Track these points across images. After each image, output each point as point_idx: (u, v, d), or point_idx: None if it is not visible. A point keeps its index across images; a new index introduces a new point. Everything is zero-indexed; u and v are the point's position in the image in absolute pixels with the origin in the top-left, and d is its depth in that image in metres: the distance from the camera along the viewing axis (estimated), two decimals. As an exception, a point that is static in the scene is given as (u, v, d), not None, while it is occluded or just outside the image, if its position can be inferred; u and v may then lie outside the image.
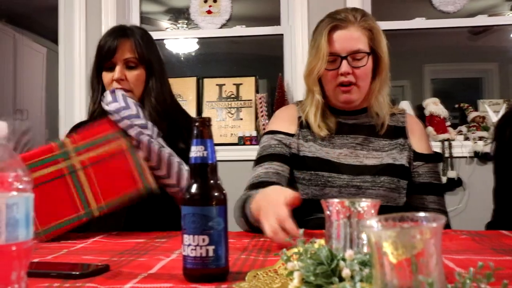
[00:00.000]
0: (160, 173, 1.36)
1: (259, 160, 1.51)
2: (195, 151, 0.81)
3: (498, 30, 3.67)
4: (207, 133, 0.82)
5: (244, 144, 2.72)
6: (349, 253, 0.64)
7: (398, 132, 1.52)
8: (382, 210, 1.40)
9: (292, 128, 1.53)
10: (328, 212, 0.71)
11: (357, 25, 1.43)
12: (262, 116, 2.76)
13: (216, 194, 0.80)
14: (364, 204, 0.70)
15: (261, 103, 2.78)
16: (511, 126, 1.52)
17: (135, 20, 3.04)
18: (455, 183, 2.64)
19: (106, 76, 1.52)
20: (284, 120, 1.56)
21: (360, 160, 1.46)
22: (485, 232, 1.28)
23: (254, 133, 2.75)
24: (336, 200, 0.70)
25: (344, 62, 1.41)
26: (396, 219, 0.54)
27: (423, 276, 0.48)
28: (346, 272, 0.63)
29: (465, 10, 3.05)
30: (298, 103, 1.62)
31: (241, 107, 2.89)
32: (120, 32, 1.54)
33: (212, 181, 0.81)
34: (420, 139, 1.54)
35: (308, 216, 1.42)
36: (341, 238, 0.70)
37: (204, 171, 0.81)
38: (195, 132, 0.81)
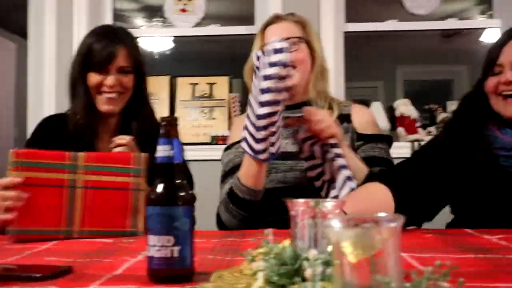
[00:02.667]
0: None
1: (223, 178, 1.60)
2: (162, 150, 0.80)
3: (469, 33, 3.74)
4: (174, 133, 0.81)
5: (217, 144, 2.71)
6: (312, 253, 0.65)
7: (342, 118, 1.60)
8: (296, 191, 1.44)
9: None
10: (293, 213, 0.71)
11: (289, 20, 1.62)
12: (235, 116, 2.76)
13: (182, 194, 0.79)
14: (329, 204, 0.70)
15: (234, 102, 2.78)
16: (448, 134, 1.51)
17: (108, 17, 3.00)
18: (425, 183, 2.67)
19: (95, 78, 1.53)
20: (235, 130, 1.68)
21: None
22: (449, 230, 1.30)
23: (227, 133, 2.75)
24: (301, 200, 0.71)
25: None
26: (358, 219, 0.55)
27: (381, 276, 0.48)
28: (309, 272, 0.63)
29: (437, 13, 3.10)
30: None
31: (214, 107, 2.88)
32: (114, 38, 1.55)
33: (178, 181, 0.80)
34: (364, 122, 1.62)
35: (268, 216, 1.45)
36: (305, 238, 0.70)
37: (171, 171, 0.80)
38: (161, 131, 0.80)
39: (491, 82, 1.38)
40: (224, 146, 1.74)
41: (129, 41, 1.58)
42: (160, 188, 0.79)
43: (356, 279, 0.50)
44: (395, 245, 0.51)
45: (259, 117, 1.26)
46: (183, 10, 3.01)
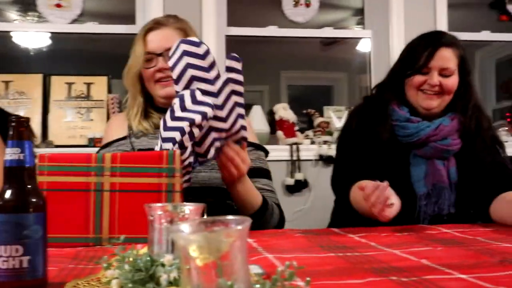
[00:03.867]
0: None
1: None
2: (10, 153, 0.74)
3: (346, 42, 3.93)
4: (25, 134, 0.76)
5: (94, 146, 2.60)
6: (167, 258, 0.63)
7: None
8: (220, 192, 1.46)
9: (123, 132, 1.59)
10: (151, 217, 0.70)
11: (170, 26, 1.59)
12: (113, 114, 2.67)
13: (33, 200, 0.74)
14: (187, 208, 0.69)
15: (113, 103, 2.69)
16: (357, 118, 1.69)
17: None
18: (302, 185, 2.78)
19: None
20: (113, 129, 1.64)
21: None
22: (317, 230, 1.36)
23: (105, 135, 2.65)
24: (158, 204, 0.69)
25: (160, 58, 1.54)
26: (209, 222, 0.55)
27: (224, 279, 0.48)
28: (163, 278, 0.62)
29: (315, 22, 3.23)
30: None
31: (91, 108, 2.76)
32: None
33: (29, 186, 0.75)
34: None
35: None
36: (163, 243, 0.69)
37: (20, 175, 0.75)
38: (11, 132, 0.75)
39: (418, 79, 1.58)
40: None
41: None
42: (8, 194, 0.73)
43: (203, 283, 0.50)
44: (241, 247, 0.51)
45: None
46: (58, 5, 2.86)
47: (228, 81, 1.26)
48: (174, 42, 1.51)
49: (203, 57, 1.24)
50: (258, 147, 1.64)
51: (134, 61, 1.56)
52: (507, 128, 2.61)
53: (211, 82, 1.25)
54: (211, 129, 1.26)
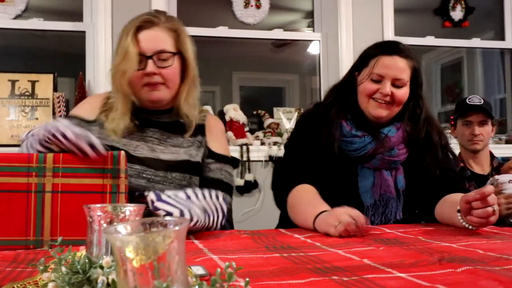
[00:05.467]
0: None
1: None
2: None
3: (297, 45, 3.98)
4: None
5: (38, 146, 2.53)
6: (106, 260, 0.62)
7: (198, 129, 1.54)
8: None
9: (92, 114, 1.50)
10: (89, 219, 0.68)
11: (162, 26, 1.46)
12: (60, 116, 2.60)
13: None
14: (128, 209, 0.68)
15: (59, 102, 2.62)
16: (307, 127, 1.67)
17: None
18: (252, 186, 2.79)
19: None
20: (85, 107, 1.54)
21: (156, 155, 1.46)
22: (264, 230, 1.36)
23: (50, 134, 2.58)
24: (97, 205, 0.68)
25: (150, 62, 1.42)
26: (146, 223, 0.54)
27: (160, 281, 0.48)
28: (100, 280, 0.61)
29: (266, 24, 3.25)
30: (109, 94, 1.56)
31: (36, 106, 2.68)
32: None
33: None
34: (216, 139, 1.59)
35: None
36: (102, 244, 0.67)
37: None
38: None
39: (371, 87, 1.57)
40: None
41: None
42: None
43: (139, 285, 0.49)
44: (179, 249, 0.50)
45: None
46: (1, 0, 2.76)
47: None
48: (165, 44, 1.43)
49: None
50: (226, 160, 1.58)
51: (128, 64, 1.40)
52: (450, 131, 2.70)
53: None
54: None
